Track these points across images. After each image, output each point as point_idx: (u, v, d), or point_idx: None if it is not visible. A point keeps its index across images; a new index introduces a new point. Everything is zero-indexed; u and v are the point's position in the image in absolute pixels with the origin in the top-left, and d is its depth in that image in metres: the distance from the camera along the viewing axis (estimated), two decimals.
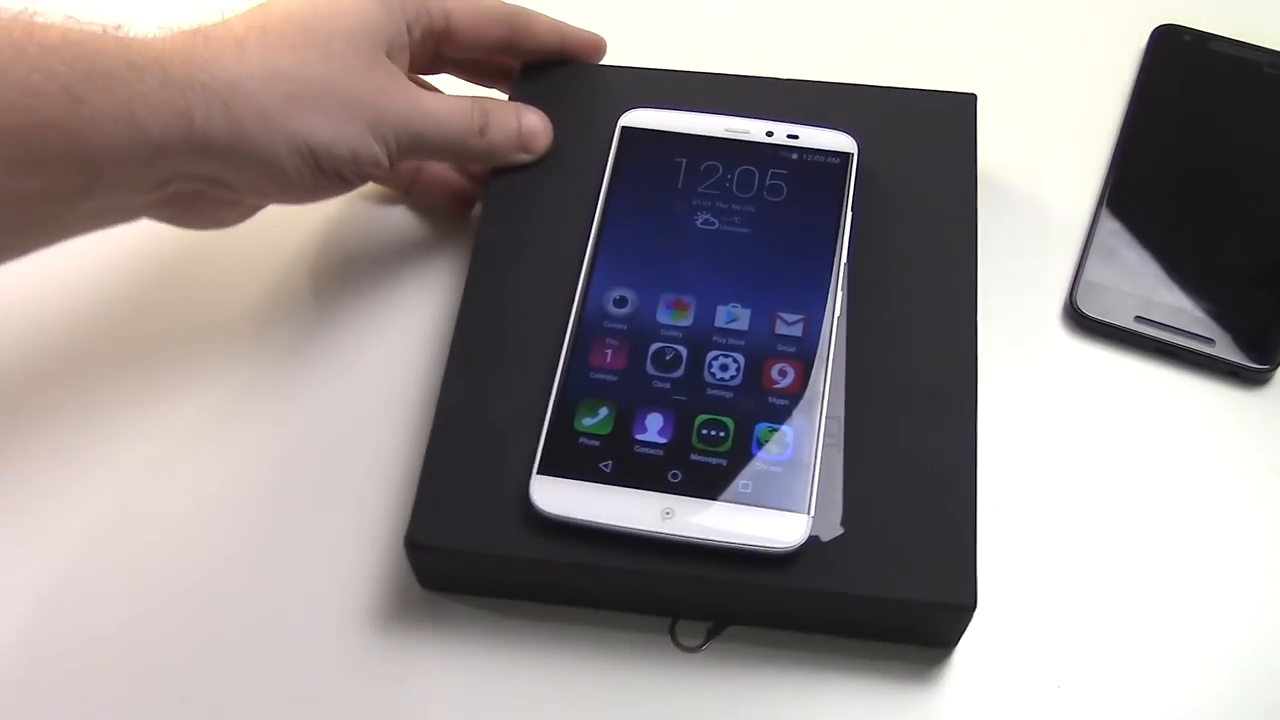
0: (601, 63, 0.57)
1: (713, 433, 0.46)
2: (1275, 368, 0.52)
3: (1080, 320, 0.54)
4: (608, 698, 0.46)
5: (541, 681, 0.47)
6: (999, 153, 0.57)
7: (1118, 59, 0.61)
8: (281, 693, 0.47)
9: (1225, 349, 0.52)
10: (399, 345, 0.53)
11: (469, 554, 0.46)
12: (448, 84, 0.57)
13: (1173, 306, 0.53)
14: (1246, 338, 0.52)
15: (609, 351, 0.48)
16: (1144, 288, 0.54)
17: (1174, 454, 0.51)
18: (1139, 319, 0.53)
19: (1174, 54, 0.60)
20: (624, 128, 0.53)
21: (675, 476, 0.46)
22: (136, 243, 0.56)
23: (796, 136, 0.53)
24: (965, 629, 0.46)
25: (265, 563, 0.49)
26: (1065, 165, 0.58)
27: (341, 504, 0.50)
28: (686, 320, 0.49)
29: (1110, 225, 0.55)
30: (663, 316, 0.49)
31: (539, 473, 0.46)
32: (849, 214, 0.51)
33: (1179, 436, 0.51)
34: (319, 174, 0.47)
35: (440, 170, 0.56)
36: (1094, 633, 0.47)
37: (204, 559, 0.49)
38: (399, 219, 0.57)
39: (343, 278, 0.56)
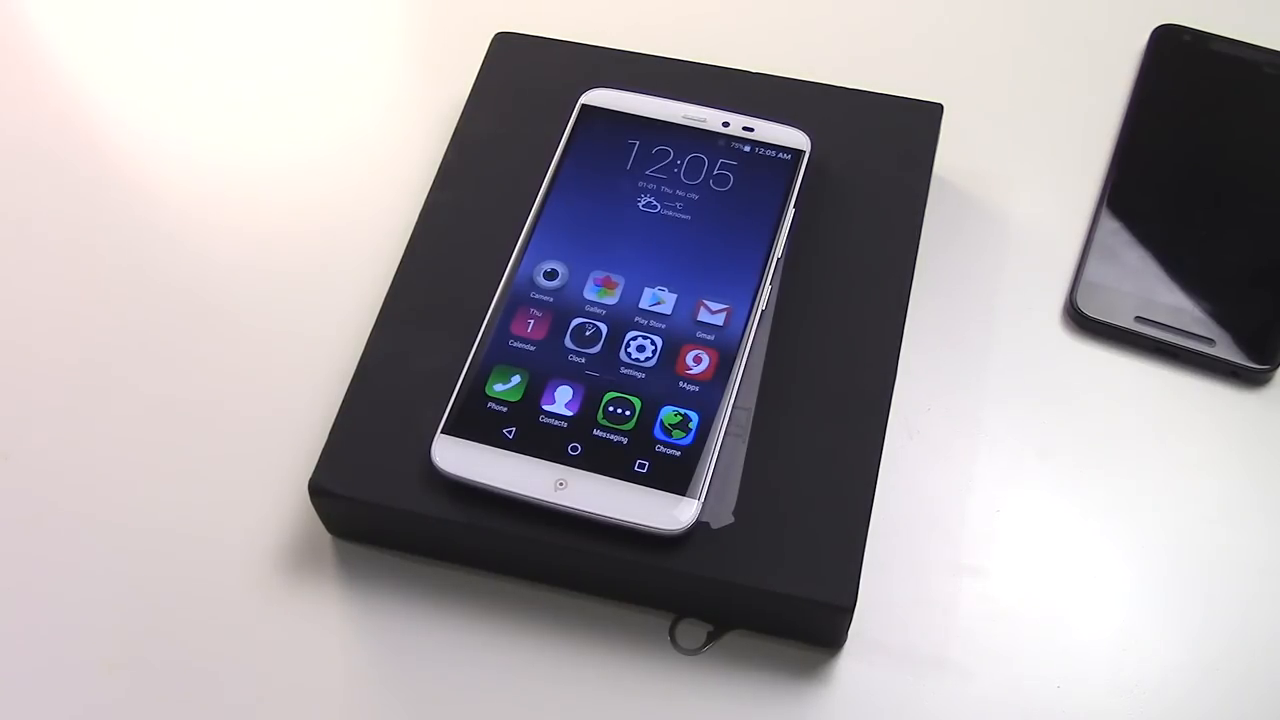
0: (574, 41, 0.57)
1: (619, 410, 0.47)
2: (1275, 368, 0.52)
3: (1080, 320, 0.53)
4: (606, 696, 0.46)
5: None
6: (999, 152, 0.57)
7: (1117, 59, 0.60)
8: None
9: (1225, 349, 0.52)
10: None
11: (369, 504, 0.47)
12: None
13: (1173, 306, 0.53)
14: (1247, 338, 0.52)
15: (531, 322, 0.49)
16: (1144, 288, 0.53)
17: (1174, 454, 0.51)
18: (1139, 319, 0.53)
19: (1174, 54, 0.60)
20: (583, 105, 0.54)
21: (575, 449, 0.46)
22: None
23: (751, 129, 0.53)
24: (847, 629, 0.46)
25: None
26: (1065, 165, 0.58)
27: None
28: (613, 299, 0.49)
29: (1110, 225, 0.55)
30: (590, 293, 0.49)
31: (444, 432, 0.47)
32: (791, 211, 0.51)
33: (1179, 436, 0.51)
34: None
35: None
36: (1093, 632, 0.47)
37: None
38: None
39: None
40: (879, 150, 0.54)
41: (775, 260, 0.50)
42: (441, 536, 0.47)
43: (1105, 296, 0.53)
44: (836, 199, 0.52)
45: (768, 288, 0.50)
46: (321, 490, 0.47)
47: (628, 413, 0.47)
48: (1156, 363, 0.53)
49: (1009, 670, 0.47)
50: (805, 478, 0.46)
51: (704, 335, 0.48)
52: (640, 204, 0.51)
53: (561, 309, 0.49)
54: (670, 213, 0.51)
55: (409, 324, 0.50)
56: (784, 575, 0.45)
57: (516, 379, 0.48)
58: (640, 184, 0.52)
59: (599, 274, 0.50)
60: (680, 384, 0.47)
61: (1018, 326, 0.54)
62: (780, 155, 0.52)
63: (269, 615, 0.48)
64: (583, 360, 0.48)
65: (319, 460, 0.47)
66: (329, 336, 0.53)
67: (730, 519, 0.46)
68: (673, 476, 0.45)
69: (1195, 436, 0.51)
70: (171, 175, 0.58)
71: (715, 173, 0.52)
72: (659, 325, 0.49)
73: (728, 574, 0.45)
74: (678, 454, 0.46)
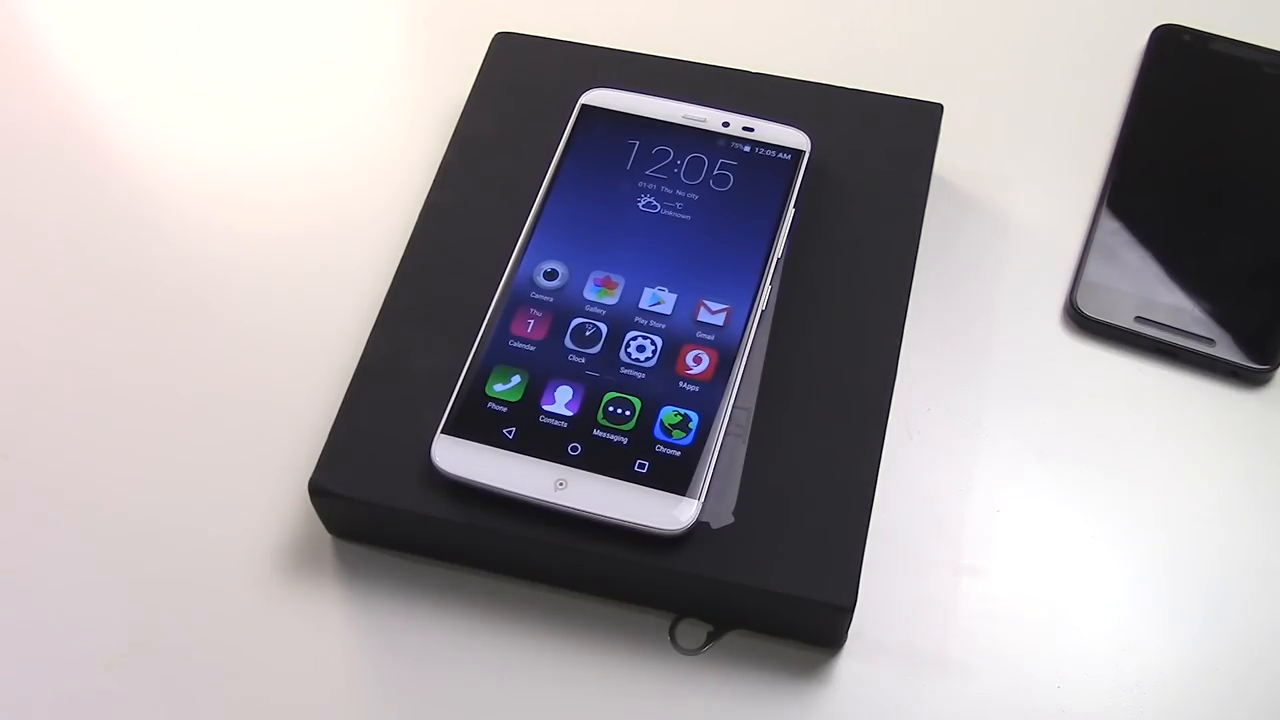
0: (574, 41, 0.57)
1: (619, 410, 0.47)
2: (1275, 368, 0.52)
3: (1080, 320, 0.53)
4: (606, 696, 0.46)
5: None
6: (999, 152, 0.57)
7: (1117, 59, 0.60)
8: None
9: (1225, 349, 0.52)
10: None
11: (369, 504, 0.47)
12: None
13: (1173, 306, 0.53)
14: (1247, 338, 0.52)
15: (531, 322, 0.49)
16: (1144, 288, 0.53)
17: (1174, 454, 0.51)
18: (1139, 319, 0.53)
19: (1174, 54, 0.60)
20: (583, 105, 0.54)
21: (575, 449, 0.46)
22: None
23: (751, 129, 0.53)
24: (847, 629, 0.46)
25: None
26: (1065, 165, 0.58)
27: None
28: (613, 299, 0.49)
29: (1110, 225, 0.55)
30: (590, 293, 0.49)
31: (444, 432, 0.47)
32: (791, 211, 0.51)
33: (1179, 436, 0.51)
34: None
35: None
36: (1093, 632, 0.47)
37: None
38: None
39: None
40: (879, 150, 0.54)
41: (775, 260, 0.50)
42: (441, 536, 0.47)
43: (1105, 296, 0.53)
44: (836, 199, 0.52)
45: (768, 288, 0.50)
46: (321, 490, 0.47)
47: (628, 413, 0.47)
48: (1156, 363, 0.53)
49: (1009, 670, 0.47)
50: (805, 478, 0.46)
51: (704, 335, 0.48)
52: (640, 204, 0.51)
53: (561, 309, 0.49)
54: (670, 213, 0.51)
55: (409, 324, 0.50)
56: (784, 575, 0.45)
57: (516, 379, 0.48)
58: (640, 184, 0.52)
59: (599, 274, 0.50)
60: (680, 384, 0.47)
61: (1018, 326, 0.54)
62: (780, 155, 0.52)
63: (269, 615, 0.48)
64: (583, 360, 0.48)
65: (319, 460, 0.47)
66: (329, 336, 0.53)
67: (730, 519, 0.46)
68: (673, 476, 0.45)
69: (1195, 436, 0.51)
70: (171, 175, 0.58)
71: (715, 173, 0.52)
72: (659, 325, 0.49)
73: (728, 574, 0.45)
74: (678, 454, 0.46)
